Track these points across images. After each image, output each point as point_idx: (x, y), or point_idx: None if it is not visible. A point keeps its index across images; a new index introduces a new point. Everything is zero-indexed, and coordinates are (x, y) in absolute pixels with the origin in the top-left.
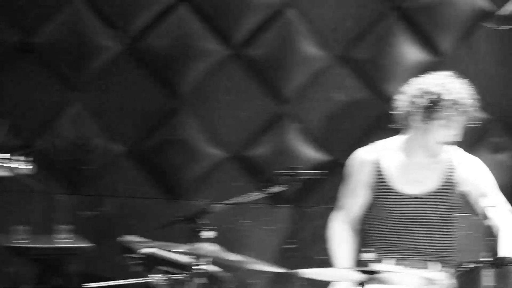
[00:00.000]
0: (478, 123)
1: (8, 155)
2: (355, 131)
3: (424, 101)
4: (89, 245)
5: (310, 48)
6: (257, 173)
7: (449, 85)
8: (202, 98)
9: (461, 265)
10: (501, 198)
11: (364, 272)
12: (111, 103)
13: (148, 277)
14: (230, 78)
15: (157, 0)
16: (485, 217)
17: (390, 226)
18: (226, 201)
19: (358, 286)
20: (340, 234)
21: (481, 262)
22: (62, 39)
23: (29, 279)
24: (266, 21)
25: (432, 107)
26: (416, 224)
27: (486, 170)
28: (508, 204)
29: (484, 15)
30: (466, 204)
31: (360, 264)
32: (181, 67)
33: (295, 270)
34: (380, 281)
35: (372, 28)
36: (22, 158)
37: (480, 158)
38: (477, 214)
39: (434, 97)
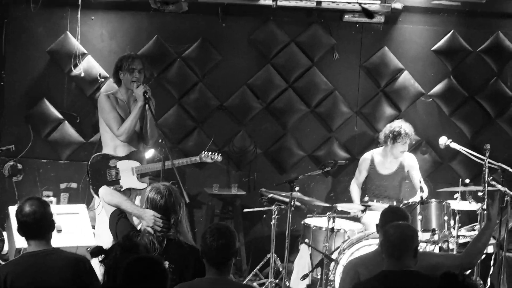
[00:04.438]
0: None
1: None
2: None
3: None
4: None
5: None
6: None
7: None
8: None
9: (405, 204)
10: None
11: (364, 205)
12: None
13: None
14: None
15: None
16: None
17: (376, 187)
18: (306, 174)
19: (362, 212)
20: (354, 190)
21: (414, 202)
22: None
23: None
24: None
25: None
26: (387, 186)
27: (416, 161)
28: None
29: (420, 94)
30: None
31: (363, 201)
32: None
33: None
34: (371, 209)
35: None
36: None
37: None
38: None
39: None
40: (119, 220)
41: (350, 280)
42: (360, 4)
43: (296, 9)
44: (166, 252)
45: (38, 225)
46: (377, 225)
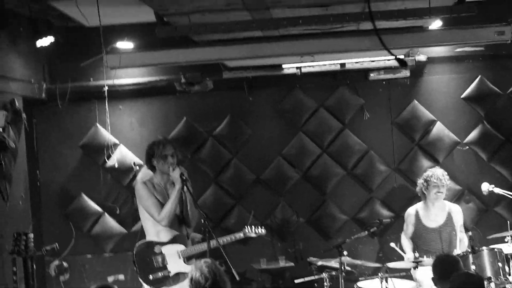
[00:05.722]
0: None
1: None
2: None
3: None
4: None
5: None
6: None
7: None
8: None
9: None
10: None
11: (415, 261)
12: None
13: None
14: None
15: None
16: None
17: (424, 242)
18: (352, 237)
19: (414, 268)
20: (405, 242)
21: (466, 252)
22: None
23: None
24: None
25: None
26: (436, 239)
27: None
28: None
29: (456, 143)
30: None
31: (414, 258)
32: None
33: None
34: (423, 265)
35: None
36: None
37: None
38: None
39: (428, 178)
40: None
41: None
42: (391, 52)
43: (320, 74)
44: None
45: None
46: (432, 278)
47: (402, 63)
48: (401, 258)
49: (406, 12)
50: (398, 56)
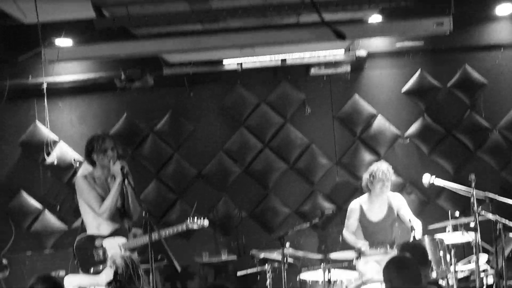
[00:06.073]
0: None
1: None
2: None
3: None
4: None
5: None
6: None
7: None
8: None
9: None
10: (411, 213)
11: (357, 252)
12: None
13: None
14: None
15: None
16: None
17: (368, 235)
18: (296, 228)
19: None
20: (350, 236)
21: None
22: None
23: None
24: None
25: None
26: (379, 232)
27: (403, 199)
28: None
29: (397, 136)
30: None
31: (356, 249)
32: None
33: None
34: (365, 255)
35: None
36: None
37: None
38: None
39: (373, 173)
40: None
41: None
42: (330, 26)
43: (262, 70)
44: None
45: None
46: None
47: (340, 35)
48: (344, 249)
49: (345, 1)
50: (335, 28)
